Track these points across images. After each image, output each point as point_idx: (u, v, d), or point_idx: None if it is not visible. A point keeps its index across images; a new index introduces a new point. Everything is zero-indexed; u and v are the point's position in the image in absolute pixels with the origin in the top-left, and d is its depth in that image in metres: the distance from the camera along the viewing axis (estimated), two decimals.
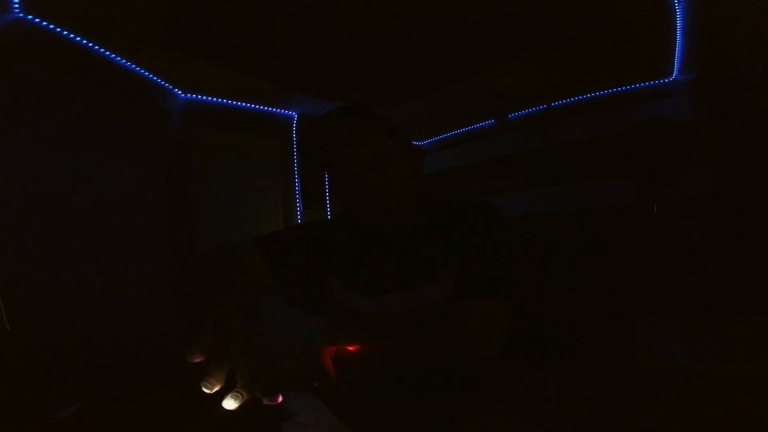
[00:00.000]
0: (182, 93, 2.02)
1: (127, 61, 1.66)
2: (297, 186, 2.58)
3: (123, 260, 1.67)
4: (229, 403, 0.38)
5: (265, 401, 0.39)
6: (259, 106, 2.31)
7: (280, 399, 0.39)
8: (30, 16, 1.33)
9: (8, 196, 1.34)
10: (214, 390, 0.38)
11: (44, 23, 1.36)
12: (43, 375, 1.32)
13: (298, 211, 2.57)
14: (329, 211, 2.65)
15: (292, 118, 2.55)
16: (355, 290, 0.60)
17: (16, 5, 1.27)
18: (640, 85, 2.41)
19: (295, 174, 2.58)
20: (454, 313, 0.51)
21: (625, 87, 2.45)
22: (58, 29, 1.40)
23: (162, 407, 1.39)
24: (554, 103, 2.69)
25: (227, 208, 2.27)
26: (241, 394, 0.38)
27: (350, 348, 0.42)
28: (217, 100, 2.16)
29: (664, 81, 2.32)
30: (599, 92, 2.56)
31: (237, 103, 2.23)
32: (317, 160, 0.61)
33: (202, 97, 2.10)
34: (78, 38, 1.46)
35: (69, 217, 1.52)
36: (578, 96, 2.62)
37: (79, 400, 1.28)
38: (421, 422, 0.53)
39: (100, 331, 1.55)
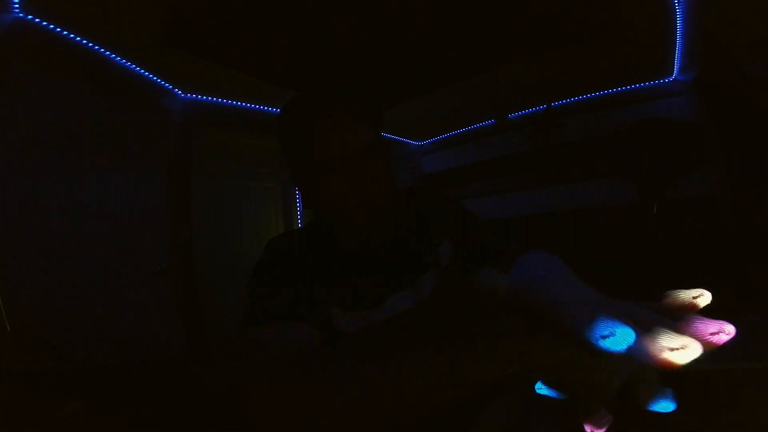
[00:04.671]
0: (182, 93, 2.02)
1: (127, 61, 1.66)
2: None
3: (123, 260, 1.67)
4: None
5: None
6: (259, 106, 2.31)
7: None
8: (30, 16, 1.32)
9: (8, 196, 1.34)
10: None
11: (44, 23, 1.36)
12: (43, 375, 1.32)
13: (298, 211, 2.57)
14: None
15: None
16: (360, 307, 0.52)
17: (16, 5, 1.27)
18: (640, 85, 2.41)
19: None
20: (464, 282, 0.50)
21: (625, 87, 2.45)
22: (58, 29, 1.40)
23: (162, 407, 1.39)
24: (554, 103, 2.69)
25: (227, 208, 2.27)
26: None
27: None
28: (217, 100, 2.16)
29: (664, 81, 2.32)
30: (599, 92, 2.56)
31: (237, 103, 2.23)
32: (292, 153, 0.52)
33: (202, 97, 2.10)
34: (78, 38, 1.46)
35: (69, 217, 1.52)
36: (578, 96, 2.62)
37: (79, 400, 1.28)
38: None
39: (101, 331, 1.55)
